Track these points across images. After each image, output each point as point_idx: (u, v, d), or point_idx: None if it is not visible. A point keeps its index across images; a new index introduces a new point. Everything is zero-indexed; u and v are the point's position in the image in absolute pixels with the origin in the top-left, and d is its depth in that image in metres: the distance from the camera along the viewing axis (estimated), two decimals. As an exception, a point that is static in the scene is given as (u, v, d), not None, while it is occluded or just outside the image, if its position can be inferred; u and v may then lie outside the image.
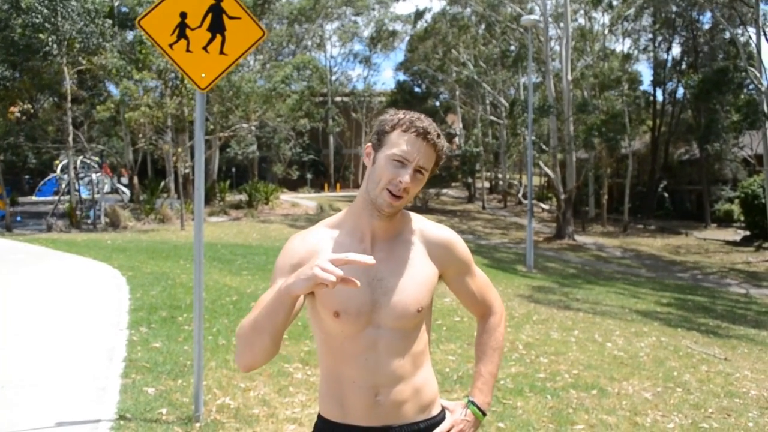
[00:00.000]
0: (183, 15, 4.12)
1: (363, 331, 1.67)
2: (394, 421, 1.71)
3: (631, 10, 30.97)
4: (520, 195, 36.10)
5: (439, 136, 1.67)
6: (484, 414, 1.81)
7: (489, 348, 1.88)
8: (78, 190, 22.67)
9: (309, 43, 40.50)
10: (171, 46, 4.15)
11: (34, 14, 19.83)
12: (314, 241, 1.71)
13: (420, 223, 1.81)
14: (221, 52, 4.21)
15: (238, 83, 23.38)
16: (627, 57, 34.80)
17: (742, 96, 25.60)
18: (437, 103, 39.33)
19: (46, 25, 19.89)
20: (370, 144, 1.72)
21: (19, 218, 23.02)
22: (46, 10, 19.86)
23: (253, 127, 29.89)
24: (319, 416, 1.78)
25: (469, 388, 1.87)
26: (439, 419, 1.79)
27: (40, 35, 19.82)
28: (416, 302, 1.70)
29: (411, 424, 1.73)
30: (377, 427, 1.70)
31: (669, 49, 37.39)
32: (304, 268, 1.48)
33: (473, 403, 1.80)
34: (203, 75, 4.22)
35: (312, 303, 1.72)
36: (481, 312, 1.91)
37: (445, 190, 37.62)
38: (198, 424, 4.11)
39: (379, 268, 1.68)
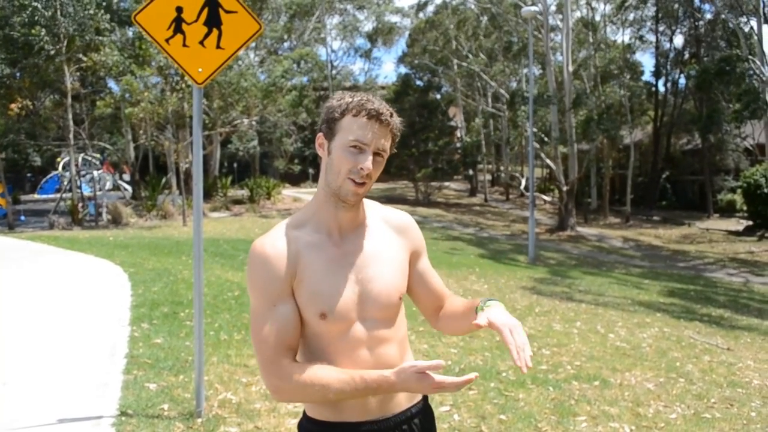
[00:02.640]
0: (179, 9, 4.11)
1: (353, 325, 1.63)
2: (388, 411, 1.69)
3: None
4: (522, 187, 36.04)
5: (391, 114, 1.62)
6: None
7: (454, 299, 1.83)
8: (80, 188, 22.67)
9: (309, 37, 40.34)
10: (167, 41, 4.14)
11: (28, 9, 19.81)
12: (288, 245, 1.62)
13: (379, 209, 1.79)
14: (218, 47, 4.20)
15: (236, 79, 23.32)
16: (628, 47, 34.67)
17: (743, 86, 25.49)
18: (438, 96, 39.22)
19: (37, 18, 19.84)
20: (321, 134, 1.65)
21: (23, 217, 23.03)
22: (40, 4, 19.82)
23: (253, 122, 29.86)
24: (309, 419, 1.72)
25: (472, 304, 1.71)
26: (424, 404, 1.80)
27: (33, 31, 19.74)
28: (397, 289, 1.69)
29: (404, 411, 1.72)
30: (374, 420, 1.68)
31: (671, 39, 37.26)
32: (413, 383, 1.53)
33: (490, 299, 1.67)
34: (200, 70, 4.20)
35: None
36: (436, 306, 1.85)
37: (447, 184, 37.56)
38: (200, 420, 4.11)
39: (355, 259, 1.66)
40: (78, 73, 24.90)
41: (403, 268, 1.74)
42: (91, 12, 20.85)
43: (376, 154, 1.60)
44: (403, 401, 1.72)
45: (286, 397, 1.66)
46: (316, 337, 1.64)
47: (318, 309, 1.60)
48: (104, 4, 22.43)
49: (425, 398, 1.81)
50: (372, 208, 1.77)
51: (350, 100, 1.60)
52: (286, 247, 1.61)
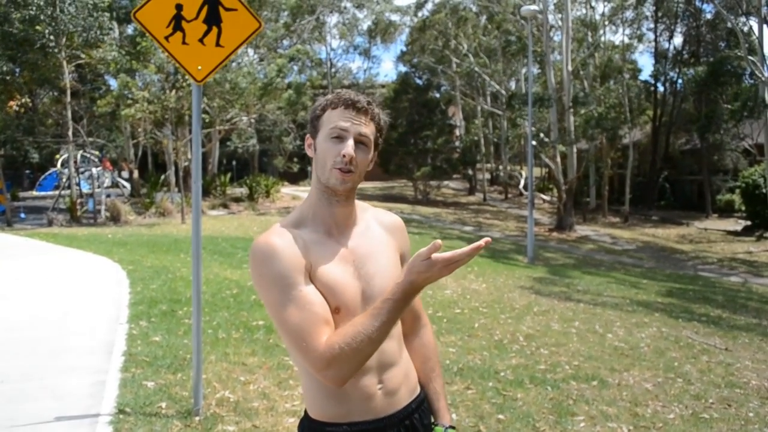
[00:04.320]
0: (179, 7, 4.10)
1: None
2: (392, 408, 1.70)
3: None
4: (521, 186, 36.04)
5: (369, 103, 1.65)
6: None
7: (435, 363, 1.89)
8: (78, 185, 22.63)
9: (309, 36, 40.28)
10: (167, 38, 4.13)
11: (30, 7, 19.77)
12: (294, 239, 1.61)
13: (371, 209, 1.83)
14: (217, 44, 4.19)
15: (234, 79, 23.30)
16: (628, 47, 34.65)
17: (742, 85, 25.50)
18: (437, 95, 39.23)
19: (42, 17, 19.83)
20: (308, 135, 1.70)
21: (23, 214, 22.97)
22: (41, 3, 19.80)
23: (252, 120, 29.81)
24: (311, 420, 1.69)
25: (436, 409, 1.85)
26: (422, 396, 1.83)
27: (38, 28, 19.76)
28: None
29: (405, 407, 1.74)
30: (380, 419, 1.68)
31: (671, 38, 37.21)
32: (427, 271, 1.46)
33: (452, 428, 1.83)
34: (199, 67, 4.20)
35: None
36: (410, 318, 1.88)
37: (446, 183, 37.56)
38: (197, 418, 4.11)
39: (356, 257, 1.68)
40: (77, 71, 24.85)
41: (398, 264, 1.77)
42: (91, 9, 20.83)
43: (358, 141, 1.62)
44: (405, 397, 1.74)
45: (343, 368, 1.49)
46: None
47: (333, 304, 1.59)
48: (105, 3, 22.37)
49: (422, 392, 1.83)
50: (364, 209, 1.80)
51: (330, 97, 1.66)
52: (294, 241, 1.60)
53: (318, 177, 1.66)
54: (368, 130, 1.64)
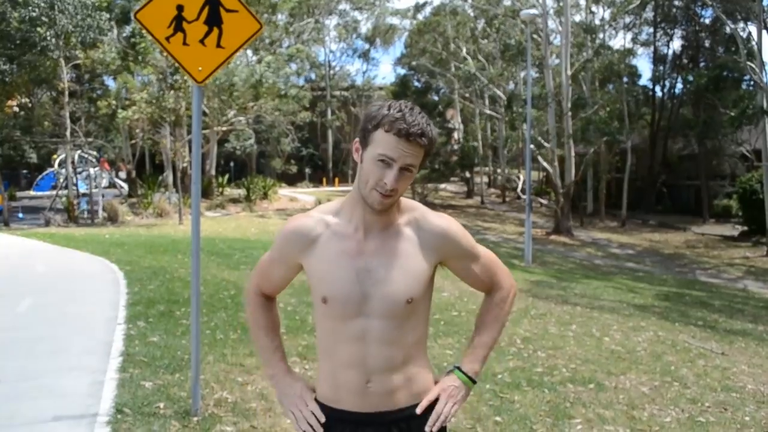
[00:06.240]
0: (180, 8, 4.10)
1: (353, 320, 1.70)
2: (387, 407, 1.74)
3: (633, 5, 30.83)
4: (518, 189, 36.09)
5: (422, 134, 1.61)
6: (472, 381, 1.83)
7: (488, 319, 1.91)
8: (76, 185, 22.61)
9: (308, 36, 40.30)
10: (168, 39, 4.13)
11: (31, 8, 19.75)
12: (314, 227, 1.75)
13: (418, 212, 1.79)
14: (218, 45, 4.20)
15: (228, 79, 23.28)
16: (628, 51, 34.69)
17: (740, 91, 25.53)
18: (436, 98, 39.28)
19: (43, 18, 19.83)
20: (357, 139, 1.70)
21: (21, 215, 22.94)
22: (43, 4, 19.78)
23: (249, 120, 29.77)
24: (317, 401, 1.82)
25: (463, 355, 1.89)
26: (431, 409, 1.80)
27: (38, 29, 19.75)
28: (406, 293, 1.70)
29: (404, 409, 1.75)
30: (370, 413, 1.73)
31: (669, 42, 37.26)
32: (290, 399, 1.82)
33: (458, 369, 1.83)
34: (200, 68, 4.21)
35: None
36: (488, 289, 1.94)
37: (443, 185, 37.58)
38: (195, 418, 4.11)
39: (370, 259, 1.70)
40: (74, 71, 24.83)
41: (419, 275, 1.74)
42: (95, 15, 20.83)
43: (403, 169, 1.63)
44: (404, 400, 1.76)
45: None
46: (323, 320, 1.77)
47: (321, 292, 1.72)
48: (105, 4, 22.37)
49: (436, 404, 1.79)
50: (410, 211, 1.78)
51: (386, 112, 1.62)
52: (312, 230, 1.75)
53: (359, 187, 1.69)
54: (416, 159, 1.64)
